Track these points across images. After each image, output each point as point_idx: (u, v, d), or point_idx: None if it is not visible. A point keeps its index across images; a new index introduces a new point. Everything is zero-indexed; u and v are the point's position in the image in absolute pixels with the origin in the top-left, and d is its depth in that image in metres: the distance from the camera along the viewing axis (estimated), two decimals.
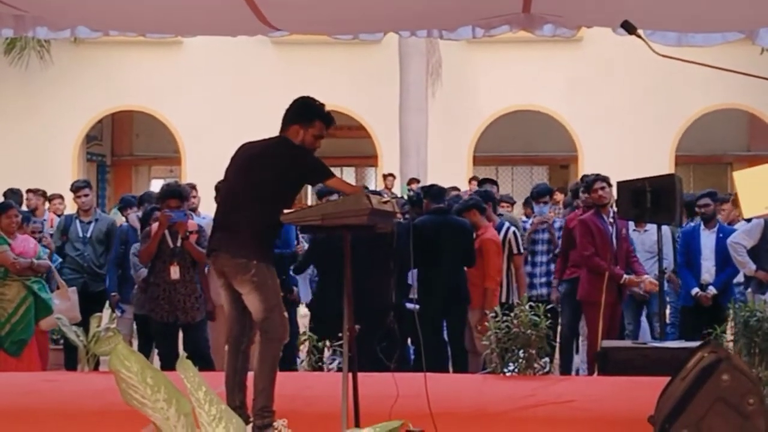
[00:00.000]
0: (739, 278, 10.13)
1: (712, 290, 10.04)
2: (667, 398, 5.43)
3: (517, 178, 27.26)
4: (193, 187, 11.15)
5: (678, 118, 23.31)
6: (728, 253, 9.89)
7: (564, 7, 7.72)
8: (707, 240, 10.21)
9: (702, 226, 10.29)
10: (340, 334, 6.87)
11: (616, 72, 22.67)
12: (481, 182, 12.43)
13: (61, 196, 14.23)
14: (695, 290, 10.09)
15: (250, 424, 5.69)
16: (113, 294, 10.14)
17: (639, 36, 4.80)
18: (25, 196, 13.56)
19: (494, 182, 12.48)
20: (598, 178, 9.69)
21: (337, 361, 8.67)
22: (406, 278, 9.46)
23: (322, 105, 6.19)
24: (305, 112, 6.14)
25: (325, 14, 8.05)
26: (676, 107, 23.00)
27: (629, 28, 4.77)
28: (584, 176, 10.67)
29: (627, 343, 9.04)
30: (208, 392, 2.60)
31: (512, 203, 12.70)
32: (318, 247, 9.19)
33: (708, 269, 10.16)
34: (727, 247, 9.84)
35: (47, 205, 13.70)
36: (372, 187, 23.59)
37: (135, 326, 10.28)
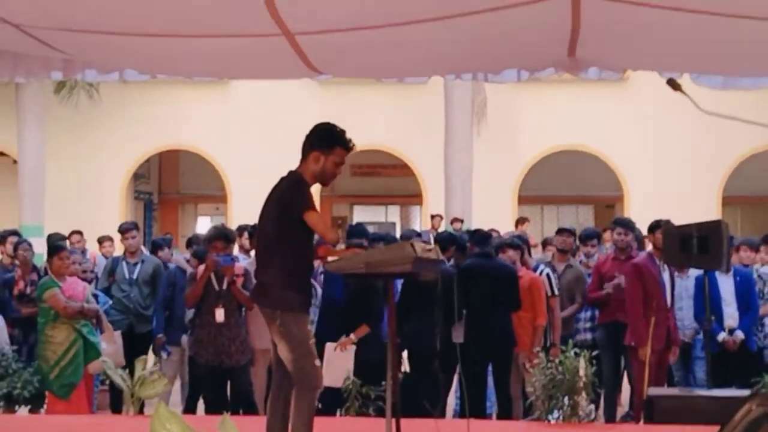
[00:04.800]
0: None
1: (739, 335, 9.89)
2: None
3: (563, 217, 27.15)
4: (245, 228, 11.13)
5: (725, 158, 23.17)
6: (749, 296, 9.85)
7: (609, 52, 7.71)
8: (725, 284, 10.05)
9: (717, 272, 10.08)
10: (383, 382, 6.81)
11: (662, 111, 22.55)
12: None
13: (110, 238, 14.39)
14: (722, 335, 9.90)
15: None
16: (159, 336, 10.17)
17: (683, 92, 4.79)
18: (68, 241, 13.73)
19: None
20: (667, 222, 9.59)
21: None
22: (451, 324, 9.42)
23: (343, 131, 6.06)
24: (326, 138, 6.01)
25: (370, 59, 8.09)
26: (724, 147, 22.84)
27: (674, 85, 4.76)
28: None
29: (674, 390, 8.93)
30: None
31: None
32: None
33: (731, 314, 10.01)
34: (745, 289, 9.76)
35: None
36: (417, 227, 23.55)
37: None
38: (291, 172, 6.04)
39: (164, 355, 10.11)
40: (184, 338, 9.99)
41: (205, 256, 9.41)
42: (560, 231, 11.00)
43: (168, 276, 10.32)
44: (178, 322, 10.04)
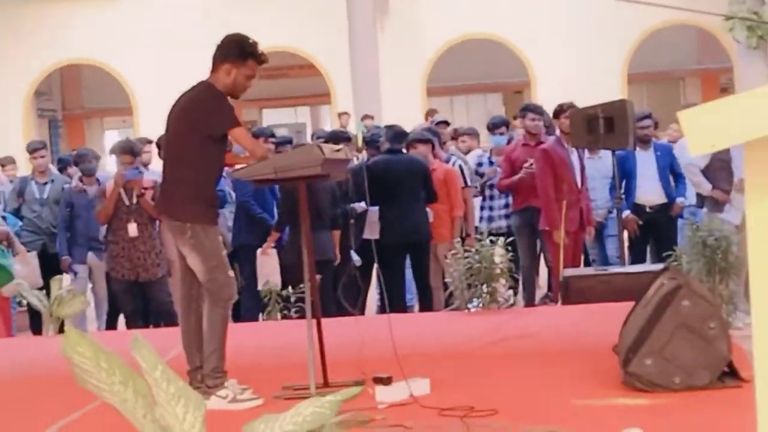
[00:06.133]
0: (691, 199, 10.13)
1: (681, 201, 10.06)
2: (629, 327, 5.47)
3: (472, 107, 27.24)
4: (148, 141, 11.00)
5: (629, 36, 23.28)
6: (672, 169, 10.05)
7: None
8: (646, 161, 10.14)
9: (637, 148, 10.16)
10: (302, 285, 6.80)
11: None
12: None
13: (13, 160, 14.07)
14: (626, 213, 10.01)
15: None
16: (64, 257, 9.97)
17: None
18: None
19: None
20: (572, 105, 9.60)
21: None
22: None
23: (255, 43, 5.87)
24: (238, 50, 5.79)
25: None
26: (627, 25, 22.92)
27: None
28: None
29: (589, 270, 9.08)
30: (165, 371, 2.57)
31: (475, 134, 12.33)
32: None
33: (654, 189, 10.14)
34: (667, 163, 9.98)
35: None
36: (327, 127, 23.46)
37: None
38: (203, 84, 5.81)
39: (72, 275, 9.95)
40: (90, 255, 9.88)
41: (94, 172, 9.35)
42: (438, 123, 11.18)
43: (64, 196, 10.14)
44: (82, 240, 9.90)
